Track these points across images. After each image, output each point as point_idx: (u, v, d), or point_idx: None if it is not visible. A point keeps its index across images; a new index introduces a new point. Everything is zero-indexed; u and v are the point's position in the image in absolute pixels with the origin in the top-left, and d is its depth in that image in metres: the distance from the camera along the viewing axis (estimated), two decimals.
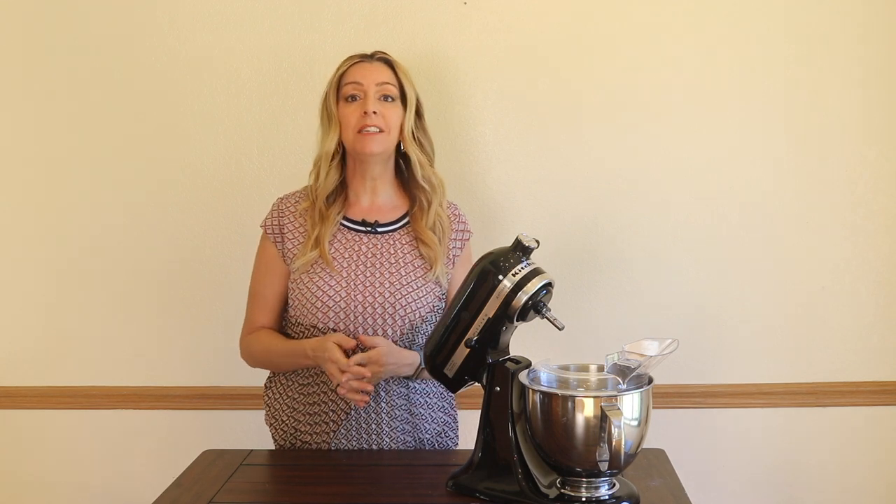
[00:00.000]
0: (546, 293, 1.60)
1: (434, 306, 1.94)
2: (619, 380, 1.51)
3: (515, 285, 1.58)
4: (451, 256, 1.98)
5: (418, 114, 1.99)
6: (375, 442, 1.91)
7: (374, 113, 1.89)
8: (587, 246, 2.42)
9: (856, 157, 2.39)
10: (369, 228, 1.96)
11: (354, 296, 1.88)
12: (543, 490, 1.56)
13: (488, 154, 2.42)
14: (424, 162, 1.97)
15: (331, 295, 1.88)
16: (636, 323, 2.40)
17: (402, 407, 1.93)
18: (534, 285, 1.58)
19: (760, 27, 2.37)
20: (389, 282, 1.90)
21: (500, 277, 1.59)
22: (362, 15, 2.38)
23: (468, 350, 1.63)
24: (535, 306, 1.59)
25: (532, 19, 2.38)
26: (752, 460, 2.48)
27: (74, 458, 2.53)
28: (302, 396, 1.94)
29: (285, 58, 2.40)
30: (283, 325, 2.01)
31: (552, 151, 2.41)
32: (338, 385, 1.79)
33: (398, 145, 1.96)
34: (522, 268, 1.59)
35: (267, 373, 2.04)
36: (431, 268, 1.93)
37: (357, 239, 1.94)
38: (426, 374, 1.79)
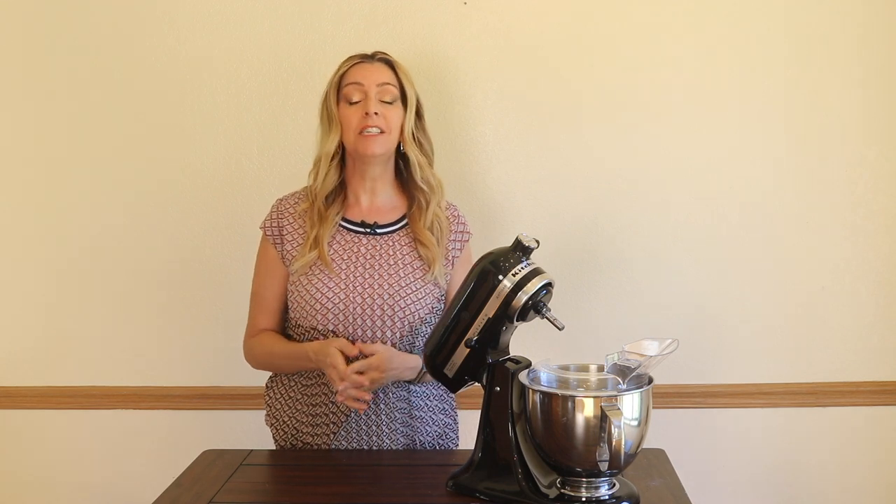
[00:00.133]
0: (546, 293, 1.60)
1: (433, 308, 1.94)
2: (619, 380, 1.51)
3: (515, 285, 1.58)
4: (450, 257, 1.98)
5: (418, 114, 1.99)
6: (376, 443, 1.91)
7: (376, 114, 1.89)
8: (587, 246, 2.42)
9: (856, 157, 2.39)
10: (368, 230, 1.96)
11: (353, 297, 1.88)
12: (543, 490, 1.56)
13: (488, 154, 2.42)
14: (424, 163, 1.97)
15: (329, 297, 1.88)
16: (636, 323, 2.40)
17: (402, 409, 1.93)
18: (534, 285, 1.58)
19: (760, 27, 2.37)
20: (388, 283, 1.90)
21: (500, 277, 1.59)
22: (362, 15, 2.38)
23: (468, 350, 1.63)
24: (535, 306, 1.59)
25: (532, 19, 2.38)
26: (752, 460, 2.48)
27: (74, 458, 2.53)
28: (303, 398, 1.94)
29: (285, 58, 2.40)
30: (285, 326, 2.00)
31: (552, 151, 2.41)
32: (337, 392, 1.79)
33: (398, 146, 1.96)
34: (522, 268, 1.59)
35: (268, 373, 2.04)
36: (430, 268, 1.93)
37: (356, 240, 1.94)
38: (429, 377, 1.79)
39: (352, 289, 1.89)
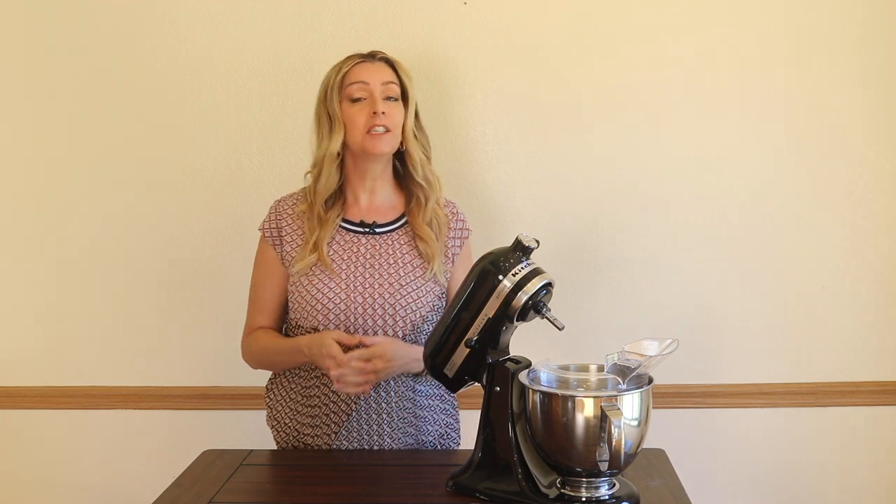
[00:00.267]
0: (546, 293, 1.60)
1: (434, 305, 1.94)
2: (619, 380, 1.51)
3: (515, 285, 1.58)
4: (449, 255, 1.98)
5: (415, 112, 1.99)
6: (377, 443, 1.91)
7: (383, 113, 1.89)
8: (587, 246, 2.42)
9: (856, 157, 2.39)
10: (367, 229, 1.96)
11: (354, 297, 1.88)
12: (543, 490, 1.56)
13: (488, 154, 2.42)
14: (424, 160, 1.97)
15: (330, 297, 1.88)
16: (636, 323, 2.40)
17: (405, 408, 1.93)
18: (534, 285, 1.58)
19: (760, 27, 2.37)
20: (389, 282, 1.90)
21: (500, 277, 1.59)
22: (362, 15, 2.38)
23: (468, 350, 1.63)
24: (535, 306, 1.59)
25: (532, 19, 2.38)
26: (752, 460, 2.48)
27: (74, 458, 2.53)
28: (303, 399, 1.94)
29: (285, 58, 2.40)
30: (285, 327, 2.00)
31: (552, 151, 2.41)
32: (334, 380, 1.79)
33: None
34: (522, 268, 1.59)
35: (268, 374, 2.04)
36: (429, 264, 1.93)
37: (356, 240, 1.94)
38: None
39: (352, 289, 1.89)
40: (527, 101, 2.40)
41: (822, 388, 2.44)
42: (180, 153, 2.44)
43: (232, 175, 2.44)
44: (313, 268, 1.91)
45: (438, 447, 1.98)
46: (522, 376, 1.58)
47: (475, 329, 1.62)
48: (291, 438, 1.95)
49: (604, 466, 1.46)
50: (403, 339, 1.89)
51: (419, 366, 1.85)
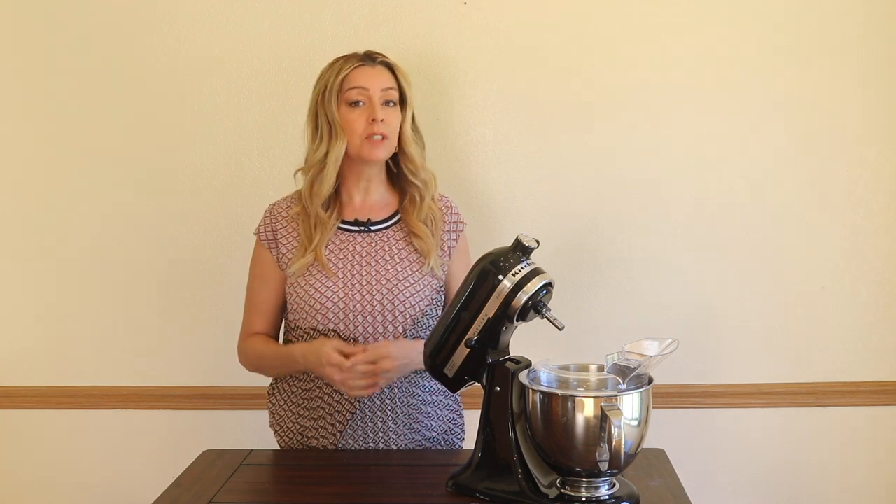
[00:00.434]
0: (546, 293, 1.60)
1: (433, 299, 1.94)
2: (619, 380, 1.51)
3: (515, 285, 1.58)
4: (446, 248, 1.98)
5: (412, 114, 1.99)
6: (382, 441, 1.91)
7: (382, 120, 1.88)
8: (587, 246, 2.42)
9: (856, 157, 2.39)
10: (363, 227, 1.96)
11: (352, 295, 1.88)
12: (543, 490, 1.56)
13: (488, 154, 2.42)
14: (422, 160, 1.97)
15: (329, 297, 1.88)
16: (636, 323, 2.40)
17: (409, 405, 1.93)
18: (534, 285, 1.58)
19: (760, 27, 2.37)
20: (386, 279, 1.90)
21: (500, 277, 1.59)
22: (362, 15, 2.38)
23: (468, 350, 1.63)
24: (535, 306, 1.59)
25: (532, 19, 2.38)
26: (752, 460, 2.48)
27: (74, 458, 2.53)
28: (305, 402, 1.94)
29: (285, 58, 2.40)
30: (283, 329, 2.00)
31: (552, 151, 2.41)
32: (338, 386, 1.79)
33: None
34: (522, 268, 1.59)
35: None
36: (426, 260, 1.93)
37: (351, 239, 1.94)
38: None
39: (350, 287, 1.89)
40: (527, 101, 2.40)
41: (822, 388, 2.44)
42: (180, 153, 2.44)
43: (232, 175, 2.44)
44: (310, 268, 1.91)
45: (443, 444, 1.98)
46: (522, 376, 1.58)
47: (475, 329, 1.62)
48: (295, 442, 1.96)
49: (604, 466, 1.46)
50: (404, 333, 1.89)
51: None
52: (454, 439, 2.01)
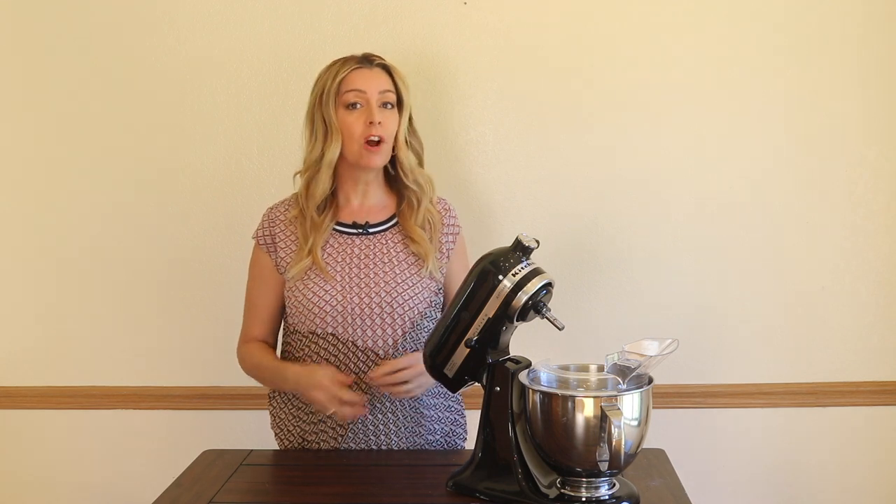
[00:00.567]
0: (546, 293, 1.60)
1: (432, 301, 1.94)
2: (619, 380, 1.51)
3: (515, 285, 1.58)
4: (444, 250, 1.98)
5: (409, 116, 1.98)
6: (384, 443, 1.91)
7: (379, 123, 1.88)
8: (587, 246, 2.42)
9: (856, 157, 2.39)
10: (360, 230, 1.95)
11: (351, 298, 1.88)
12: (543, 490, 1.56)
13: (488, 154, 2.42)
14: (415, 165, 1.96)
15: (327, 300, 1.88)
16: (636, 323, 2.40)
17: (412, 407, 1.93)
18: (534, 285, 1.58)
19: (760, 27, 2.37)
20: (385, 281, 1.90)
21: (500, 277, 1.59)
22: (362, 15, 2.38)
23: (468, 350, 1.63)
24: (535, 306, 1.59)
25: (532, 19, 2.38)
26: (752, 460, 2.48)
27: (74, 458, 2.53)
28: (305, 405, 1.94)
29: (285, 58, 2.40)
30: (283, 333, 2.00)
31: (552, 151, 2.41)
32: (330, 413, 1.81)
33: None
34: (522, 268, 1.59)
35: None
36: (424, 264, 1.92)
37: (349, 242, 1.94)
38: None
39: (349, 290, 1.89)
40: (527, 101, 2.40)
41: (822, 388, 2.44)
42: (180, 153, 2.44)
43: (232, 175, 2.44)
44: (308, 272, 1.90)
45: (445, 445, 1.98)
46: (522, 376, 1.58)
47: (475, 329, 1.62)
48: (296, 446, 1.96)
49: (604, 466, 1.46)
50: (403, 335, 1.89)
51: None
52: (456, 440, 2.01)
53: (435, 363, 1.68)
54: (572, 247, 2.41)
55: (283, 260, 1.94)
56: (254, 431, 2.44)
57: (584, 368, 1.61)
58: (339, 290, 1.89)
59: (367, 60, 1.93)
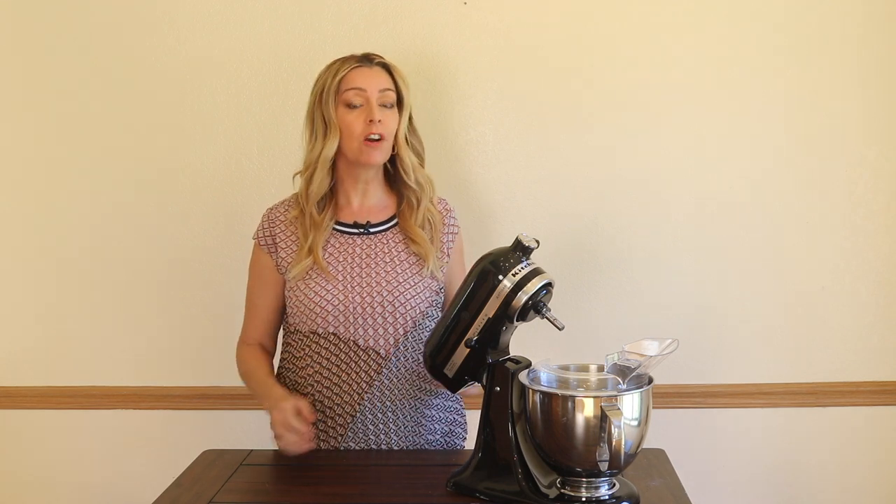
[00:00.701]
0: (546, 293, 1.60)
1: (433, 300, 1.94)
2: (619, 380, 1.51)
3: (515, 285, 1.58)
4: (445, 249, 1.98)
5: (409, 116, 1.98)
6: (384, 442, 1.91)
7: (379, 121, 1.88)
8: (587, 246, 2.42)
9: (856, 157, 2.39)
10: (362, 230, 1.95)
11: (352, 297, 1.88)
12: (543, 490, 1.56)
13: (488, 154, 2.42)
14: (416, 164, 1.96)
15: (328, 299, 1.88)
16: (636, 323, 2.40)
17: (412, 406, 1.93)
18: (534, 285, 1.58)
19: (760, 27, 2.37)
20: (386, 280, 1.90)
21: (500, 277, 1.59)
22: (362, 15, 2.38)
23: (468, 350, 1.63)
24: (535, 306, 1.59)
25: (532, 19, 2.38)
26: (752, 460, 2.48)
27: (74, 458, 2.53)
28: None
29: (285, 58, 2.40)
30: (283, 333, 2.01)
31: (552, 151, 2.41)
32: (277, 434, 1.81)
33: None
34: (522, 268, 1.59)
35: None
36: (424, 264, 1.93)
37: (350, 241, 1.94)
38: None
39: (350, 289, 1.89)
40: (527, 101, 2.40)
41: (822, 388, 2.44)
42: (180, 153, 2.44)
43: (232, 175, 2.44)
44: (310, 271, 1.91)
45: (445, 445, 1.98)
46: (522, 376, 1.58)
47: (475, 329, 1.62)
48: None
49: (604, 466, 1.46)
50: (404, 335, 1.89)
51: None
52: (456, 440, 2.01)
53: (435, 363, 1.68)
54: (572, 247, 2.41)
55: (284, 260, 1.94)
56: (254, 431, 2.43)
57: (584, 368, 1.61)
58: (340, 289, 1.89)
59: (367, 59, 1.93)
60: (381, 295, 1.89)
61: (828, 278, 2.42)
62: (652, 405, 1.53)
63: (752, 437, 2.47)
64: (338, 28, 2.38)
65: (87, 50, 2.42)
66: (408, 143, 1.95)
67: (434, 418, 1.96)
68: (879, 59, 2.37)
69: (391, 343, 1.89)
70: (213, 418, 2.48)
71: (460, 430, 2.03)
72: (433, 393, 1.96)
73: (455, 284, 1.98)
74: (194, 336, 2.47)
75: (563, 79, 2.39)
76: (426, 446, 1.95)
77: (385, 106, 1.90)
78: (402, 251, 1.94)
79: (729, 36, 2.37)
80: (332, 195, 1.96)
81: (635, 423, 1.49)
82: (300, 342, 1.93)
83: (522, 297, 1.58)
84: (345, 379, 1.89)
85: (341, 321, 1.87)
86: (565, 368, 1.59)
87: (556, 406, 1.50)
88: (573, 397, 1.48)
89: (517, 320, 1.61)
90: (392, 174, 1.99)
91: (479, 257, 1.66)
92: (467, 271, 1.69)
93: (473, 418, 1.78)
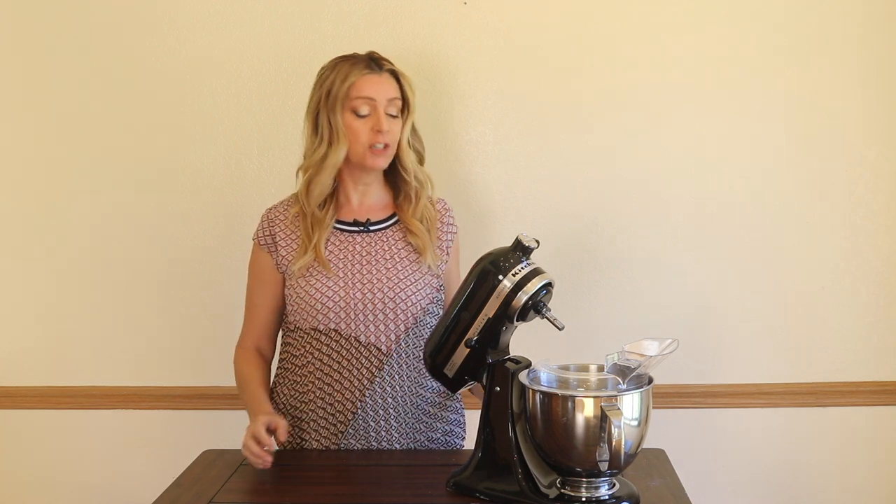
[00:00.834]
0: (546, 293, 1.61)
1: (433, 297, 1.95)
2: (619, 380, 1.51)
3: (515, 285, 1.58)
4: (444, 248, 1.99)
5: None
6: (385, 439, 1.91)
7: (386, 131, 1.89)
8: (587, 246, 2.42)
9: (856, 157, 2.39)
10: (362, 227, 1.96)
11: (353, 294, 1.89)
12: (543, 490, 1.56)
13: (488, 154, 2.42)
14: (416, 163, 1.98)
15: (329, 296, 1.89)
16: (636, 323, 2.40)
17: (413, 404, 1.93)
18: (534, 285, 1.58)
19: (760, 27, 2.37)
20: (387, 277, 1.90)
21: (500, 277, 1.59)
22: (362, 15, 2.38)
23: (468, 350, 1.63)
24: (535, 306, 1.59)
25: (532, 19, 2.38)
26: (752, 460, 2.48)
27: (74, 458, 2.53)
28: (302, 405, 1.94)
29: (285, 58, 2.40)
30: (283, 332, 2.01)
31: (552, 151, 2.41)
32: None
33: None
34: (522, 268, 1.59)
35: (271, 376, 2.04)
36: (422, 256, 1.93)
37: (351, 239, 1.95)
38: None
39: (351, 285, 1.89)
40: (527, 101, 2.40)
41: (822, 388, 2.44)
42: (180, 153, 2.44)
43: (232, 175, 2.44)
44: (310, 269, 1.91)
45: (445, 445, 1.98)
46: (522, 376, 1.58)
47: (475, 329, 1.62)
48: (296, 446, 1.96)
49: (604, 466, 1.46)
50: (406, 331, 1.90)
51: None
52: (456, 440, 2.02)
53: (435, 363, 1.68)
54: (572, 247, 2.41)
55: (285, 259, 1.94)
56: None
57: (584, 368, 1.61)
58: (341, 285, 1.89)
59: (376, 65, 1.92)
60: (382, 291, 1.89)
61: (828, 278, 2.42)
62: (652, 405, 1.53)
63: (752, 437, 2.47)
64: (338, 28, 2.38)
65: (87, 50, 2.42)
66: (409, 145, 1.96)
67: (434, 417, 1.96)
68: (879, 59, 2.37)
69: (392, 339, 1.89)
70: (213, 418, 2.48)
71: (460, 430, 2.04)
72: (433, 392, 1.96)
73: (451, 285, 1.99)
74: (194, 336, 2.47)
75: (563, 79, 2.39)
76: (427, 444, 1.95)
77: (392, 115, 1.91)
78: (403, 248, 1.95)
79: (729, 36, 2.37)
80: (332, 194, 1.97)
81: (635, 423, 1.49)
82: (300, 340, 1.93)
83: (522, 297, 1.58)
84: (346, 376, 1.89)
85: (342, 317, 1.88)
86: (565, 368, 1.59)
87: (556, 406, 1.50)
88: (573, 397, 1.48)
89: (517, 320, 1.61)
90: (391, 172, 1.99)
91: (479, 257, 1.66)
92: (463, 272, 1.69)
93: (473, 418, 1.78)
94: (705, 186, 2.41)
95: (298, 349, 1.94)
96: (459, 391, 1.76)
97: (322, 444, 1.92)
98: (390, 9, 2.38)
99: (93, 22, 2.42)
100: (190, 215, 2.45)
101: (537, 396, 1.52)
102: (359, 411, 1.90)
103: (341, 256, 1.93)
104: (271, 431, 1.80)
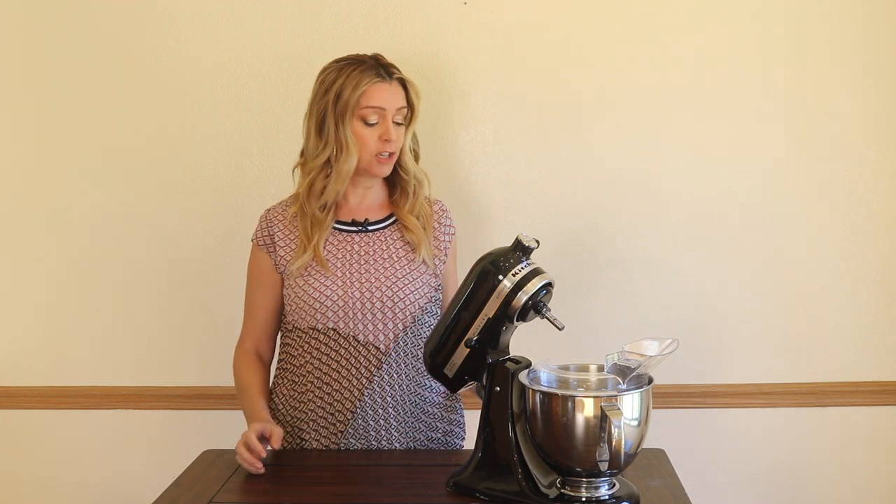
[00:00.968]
0: (546, 293, 1.61)
1: (431, 297, 1.95)
2: (619, 380, 1.51)
3: (515, 285, 1.58)
4: (442, 248, 2.00)
5: None
6: (385, 439, 1.91)
7: (395, 140, 1.90)
8: (587, 246, 2.42)
9: (856, 157, 2.39)
10: (360, 227, 1.96)
11: (352, 293, 1.89)
12: (543, 490, 1.56)
13: (488, 154, 2.42)
14: (415, 165, 1.99)
15: (328, 295, 1.89)
16: (636, 323, 2.40)
17: (413, 403, 1.93)
18: (534, 285, 1.58)
19: (760, 27, 2.37)
20: (385, 276, 1.91)
21: (500, 277, 1.59)
22: (362, 15, 2.38)
23: (468, 350, 1.63)
24: (535, 306, 1.59)
25: (532, 19, 2.38)
26: (752, 460, 2.48)
27: (74, 458, 2.53)
28: (300, 405, 1.94)
29: (285, 58, 2.40)
30: (282, 332, 2.01)
31: (552, 151, 2.41)
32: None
33: None
34: (522, 268, 1.60)
35: (270, 377, 2.04)
36: (417, 252, 1.94)
37: (349, 239, 1.95)
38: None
39: (349, 284, 1.89)
40: (527, 101, 2.40)
41: (822, 388, 2.44)
42: (180, 153, 2.44)
43: (232, 175, 2.44)
44: (308, 268, 1.91)
45: (445, 445, 1.99)
46: (522, 376, 1.58)
47: (475, 329, 1.62)
48: (295, 445, 1.96)
49: (604, 466, 1.46)
50: (405, 330, 1.91)
51: None
52: (455, 440, 2.02)
53: (435, 363, 1.68)
54: (572, 247, 2.41)
55: (283, 259, 1.94)
56: None
57: (584, 368, 1.61)
58: (339, 284, 1.89)
59: (385, 72, 1.91)
60: (381, 290, 1.89)
61: (828, 278, 2.42)
62: (652, 405, 1.53)
63: (752, 437, 2.47)
64: (338, 28, 2.38)
65: (87, 50, 2.42)
66: (409, 149, 1.97)
67: (436, 416, 1.97)
68: (879, 59, 2.37)
69: (391, 339, 1.89)
70: (213, 418, 2.48)
71: (460, 430, 2.04)
72: (434, 391, 1.96)
73: (449, 286, 1.99)
74: (194, 336, 2.47)
75: (563, 79, 2.39)
76: (427, 443, 1.95)
77: (398, 123, 1.92)
78: (401, 248, 1.96)
79: (729, 36, 2.37)
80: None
81: (635, 423, 1.49)
82: (299, 339, 1.94)
83: (522, 297, 1.58)
84: (345, 375, 1.90)
85: (341, 316, 1.88)
86: (565, 368, 1.59)
87: (556, 406, 1.50)
88: (573, 397, 1.48)
89: (517, 320, 1.61)
90: (390, 172, 1.99)
91: (479, 257, 1.66)
92: (463, 273, 1.69)
93: (473, 418, 1.78)
94: (705, 186, 2.41)
95: (297, 349, 1.95)
96: (459, 391, 1.75)
97: (322, 443, 1.92)
98: (390, 9, 2.38)
99: (93, 22, 2.42)
100: (190, 215, 2.45)
101: (537, 396, 1.52)
102: (358, 410, 1.90)
103: (339, 256, 1.93)
104: (265, 439, 1.80)
